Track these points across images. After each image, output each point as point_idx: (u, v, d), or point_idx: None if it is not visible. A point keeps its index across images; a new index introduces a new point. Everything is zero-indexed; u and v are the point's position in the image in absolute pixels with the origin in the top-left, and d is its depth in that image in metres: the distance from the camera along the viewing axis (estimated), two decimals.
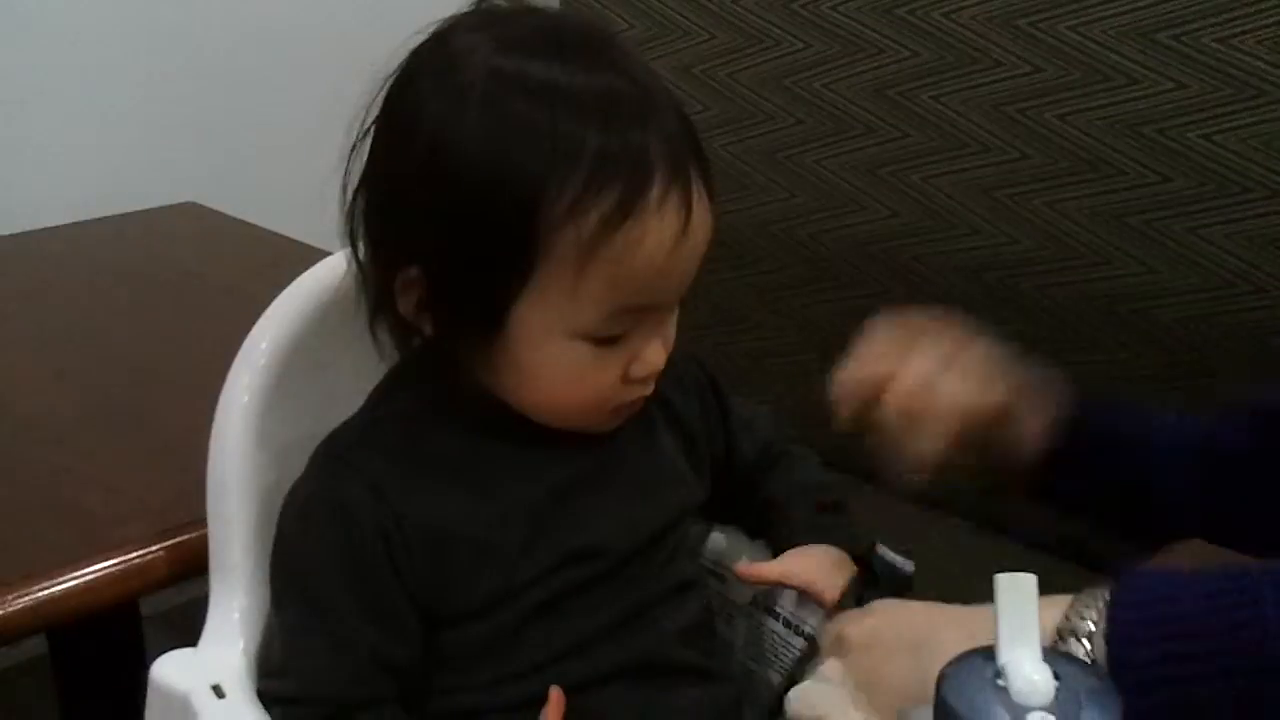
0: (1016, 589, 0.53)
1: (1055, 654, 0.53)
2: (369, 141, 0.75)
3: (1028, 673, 0.51)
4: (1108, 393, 1.01)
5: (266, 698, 0.77)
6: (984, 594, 0.55)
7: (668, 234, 0.71)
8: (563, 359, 0.73)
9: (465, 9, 0.76)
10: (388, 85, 0.74)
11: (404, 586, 0.75)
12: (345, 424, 0.80)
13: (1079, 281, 1.85)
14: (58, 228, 1.62)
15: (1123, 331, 1.83)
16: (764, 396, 2.27)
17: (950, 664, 0.53)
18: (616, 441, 0.81)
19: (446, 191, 0.71)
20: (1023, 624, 0.52)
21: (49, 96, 1.83)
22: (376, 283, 0.76)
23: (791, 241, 2.17)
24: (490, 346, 0.74)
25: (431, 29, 0.75)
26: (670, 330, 0.78)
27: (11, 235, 1.59)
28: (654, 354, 0.76)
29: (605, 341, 0.73)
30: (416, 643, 0.76)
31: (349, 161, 0.75)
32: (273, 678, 0.78)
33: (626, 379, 0.75)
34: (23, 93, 1.79)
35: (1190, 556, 1.08)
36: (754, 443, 0.93)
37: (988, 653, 0.52)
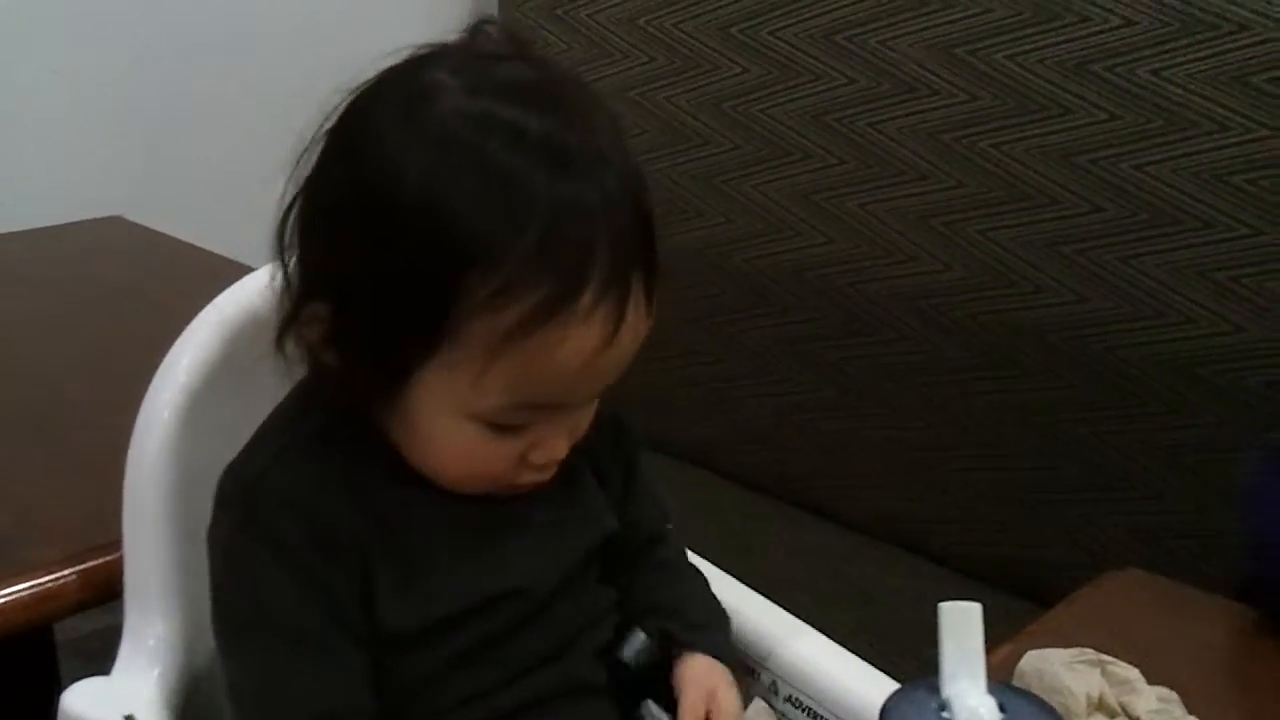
0: (961, 618, 0.52)
1: (1000, 686, 0.52)
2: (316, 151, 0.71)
3: (973, 705, 0.50)
4: None
5: None
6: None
7: (590, 344, 0.66)
8: (456, 435, 0.70)
9: (439, 39, 0.71)
10: (350, 99, 0.70)
11: (351, 593, 0.71)
12: (246, 454, 0.75)
13: (1011, 309, 1.86)
14: None
15: (1054, 360, 1.84)
16: (695, 423, 2.25)
17: (894, 695, 0.51)
18: None
19: (376, 228, 0.67)
20: (967, 655, 0.51)
21: None
22: (288, 301, 0.72)
23: (727, 267, 2.17)
24: (388, 397, 0.71)
25: (407, 53, 0.70)
26: (584, 420, 0.74)
27: None
28: (557, 446, 0.72)
29: (504, 429, 0.70)
30: (371, 654, 0.73)
31: (294, 167, 0.70)
32: None
33: (524, 463, 0.72)
34: None
35: (1125, 586, 1.08)
36: (653, 519, 0.87)
37: (931, 683, 0.51)
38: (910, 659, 0.82)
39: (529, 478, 0.73)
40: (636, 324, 0.68)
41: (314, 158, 0.71)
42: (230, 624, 0.73)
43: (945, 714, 0.50)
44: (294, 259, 0.72)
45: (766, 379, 2.18)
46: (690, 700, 0.77)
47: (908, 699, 0.51)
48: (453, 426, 0.70)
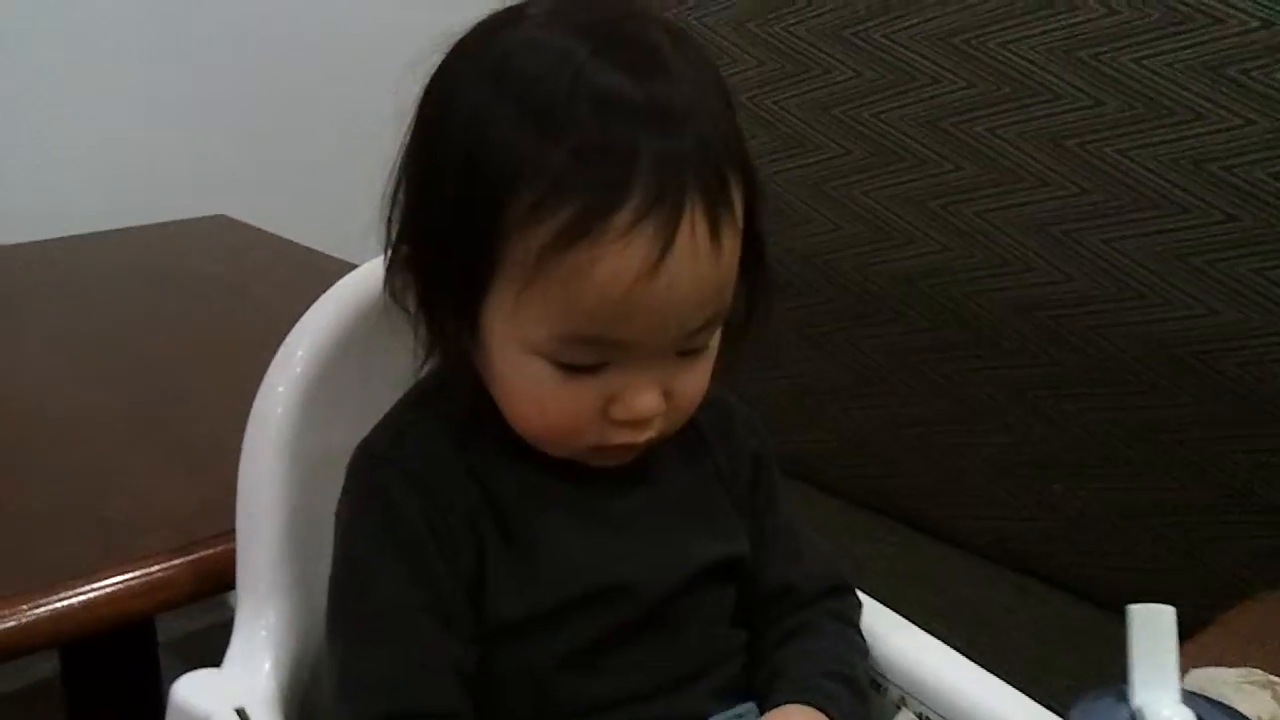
0: (1152, 621, 0.47)
1: (1194, 695, 0.47)
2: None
3: (1167, 715, 0.45)
4: None
5: None
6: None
7: (630, 267, 0.62)
8: (524, 373, 0.67)
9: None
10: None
11: (458, 578, 0.70)
12: (378, 429, 0.75)
13: (1137, 322, 1.79)
14: (91, 235, 1.61)
15: (1182, 375, 1.77)
16: (800, 434, 2.21)
17: (1082, 702, 0.47)
18: (662, 476, 0.75)
19: (430, 156, 0.67)
20: (1159, 661, 0.47)
21: (87, 105, 1.83)
22: (388, 258, 0.72)
23: (836, 274, 2.12)
24: (476, 351, 0.70)
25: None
26: (679, 378, 0.69)
27: (44, 240, 1.58)
28: (638, 399, 0.67)
29: (573, 369, 0.66)
30: (476, 646, 0.71)
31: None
32: (343, 705, 0.70)
33: (606, 418, 0.68)
34: (61, 99, 1.78)
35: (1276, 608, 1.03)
36: (788, 573, 0.81)
37: (1120, 691, 0.46)
38: (1026, 683, 0.77)
39: (618, 438, 0.69)
40: (694, 259, 0.63)
41: None
42: (337, 596, 0.72)
43: None
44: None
45: (875, 390, 2.13)
46: None
47: (1097, 706, 0.46)
48: (521, 363, 0.67)
